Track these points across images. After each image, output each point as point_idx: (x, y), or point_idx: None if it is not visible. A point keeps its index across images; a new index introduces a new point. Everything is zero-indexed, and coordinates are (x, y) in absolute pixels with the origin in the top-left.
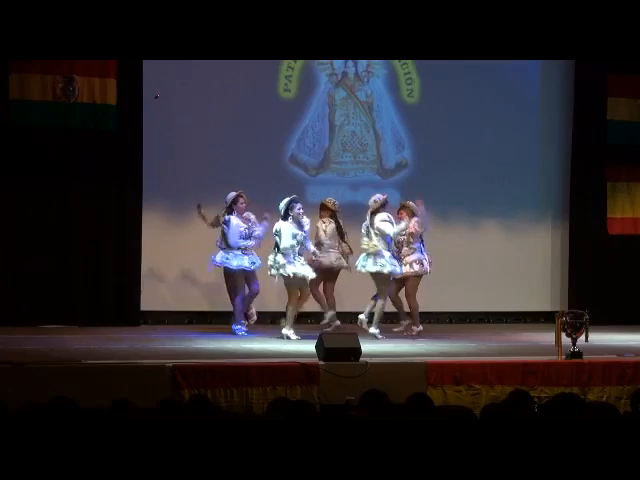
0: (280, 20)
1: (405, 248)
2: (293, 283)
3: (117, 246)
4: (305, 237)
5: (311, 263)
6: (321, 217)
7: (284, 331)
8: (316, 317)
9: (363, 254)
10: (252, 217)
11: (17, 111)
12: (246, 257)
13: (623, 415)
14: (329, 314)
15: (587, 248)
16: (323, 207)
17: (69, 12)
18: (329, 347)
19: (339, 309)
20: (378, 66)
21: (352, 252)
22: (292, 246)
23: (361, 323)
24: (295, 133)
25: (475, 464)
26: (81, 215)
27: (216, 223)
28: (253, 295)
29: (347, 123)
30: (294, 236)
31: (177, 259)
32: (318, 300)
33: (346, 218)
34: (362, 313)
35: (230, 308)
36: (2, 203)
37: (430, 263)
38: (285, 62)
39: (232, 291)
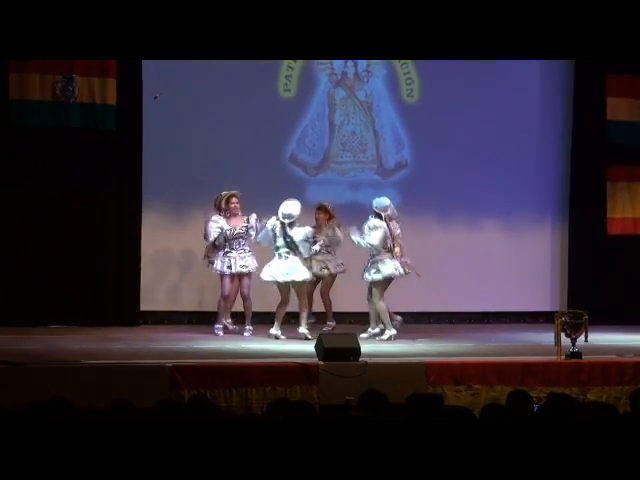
0: (280, 20)
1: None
2: None
3: (117, 246)
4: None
5: None
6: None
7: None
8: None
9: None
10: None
11: (16, 111)
12: None
13: (623, 415)
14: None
15: (587, 248)
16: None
17: (68, 12)
18: (329, 347)
19: (337, 309)
20: (378, 66)
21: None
22: None
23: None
24: (295, 133)
25: (475, 464)
26: (81, 215)
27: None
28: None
29: (347, 123)
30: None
31: (177, 259)
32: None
33: (346, 218)
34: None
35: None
36: (2, 203)
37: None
38: (285, 62)
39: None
